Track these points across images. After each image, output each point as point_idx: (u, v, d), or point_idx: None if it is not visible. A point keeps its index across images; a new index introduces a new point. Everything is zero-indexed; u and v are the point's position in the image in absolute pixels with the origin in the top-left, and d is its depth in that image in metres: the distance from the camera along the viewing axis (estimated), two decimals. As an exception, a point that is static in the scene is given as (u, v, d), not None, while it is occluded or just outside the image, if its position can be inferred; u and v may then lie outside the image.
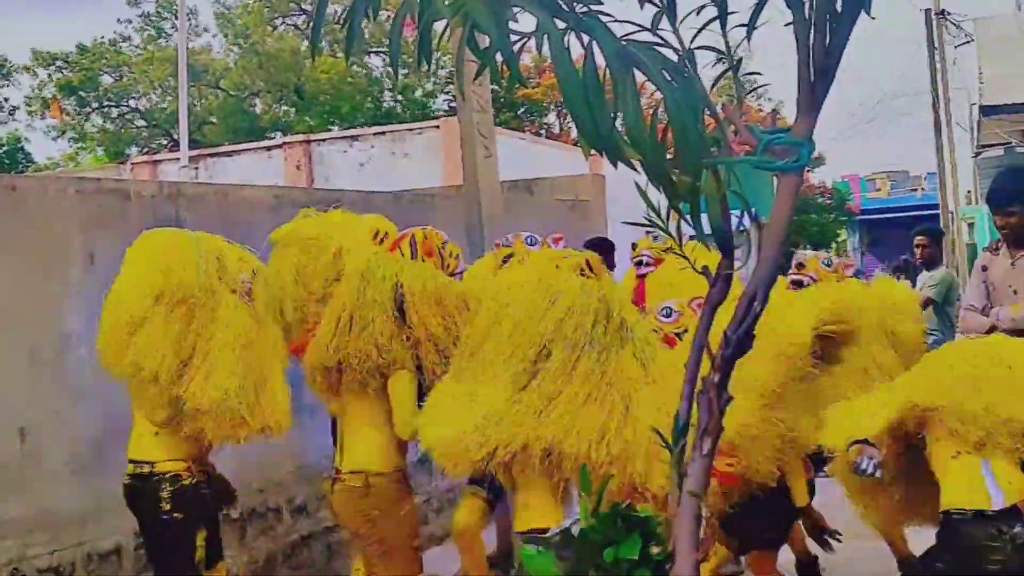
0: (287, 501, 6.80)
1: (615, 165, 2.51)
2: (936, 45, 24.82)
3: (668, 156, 2.52)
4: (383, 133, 17.83)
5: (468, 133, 7.12)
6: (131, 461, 4.64)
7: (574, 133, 24.21)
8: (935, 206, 27.21)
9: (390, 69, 27.98)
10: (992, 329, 5.55)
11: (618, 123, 2.47)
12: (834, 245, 41.86)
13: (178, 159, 16.64)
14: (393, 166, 16.65)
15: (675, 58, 2.51)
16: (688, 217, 2.56)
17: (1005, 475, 3.99)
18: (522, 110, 28.36)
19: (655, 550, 2.30)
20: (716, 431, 2.45)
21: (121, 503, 4.78)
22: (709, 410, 2.46)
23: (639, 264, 6.09)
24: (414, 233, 4.84)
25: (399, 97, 27.78)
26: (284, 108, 28.69)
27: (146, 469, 4.58)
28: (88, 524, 5.54)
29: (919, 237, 9.38)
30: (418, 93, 28.19)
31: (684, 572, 2.34)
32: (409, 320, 4.57)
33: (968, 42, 23.12)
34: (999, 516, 3.94)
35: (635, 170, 2.49)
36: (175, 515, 4.54)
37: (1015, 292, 5.66)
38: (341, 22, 2.61)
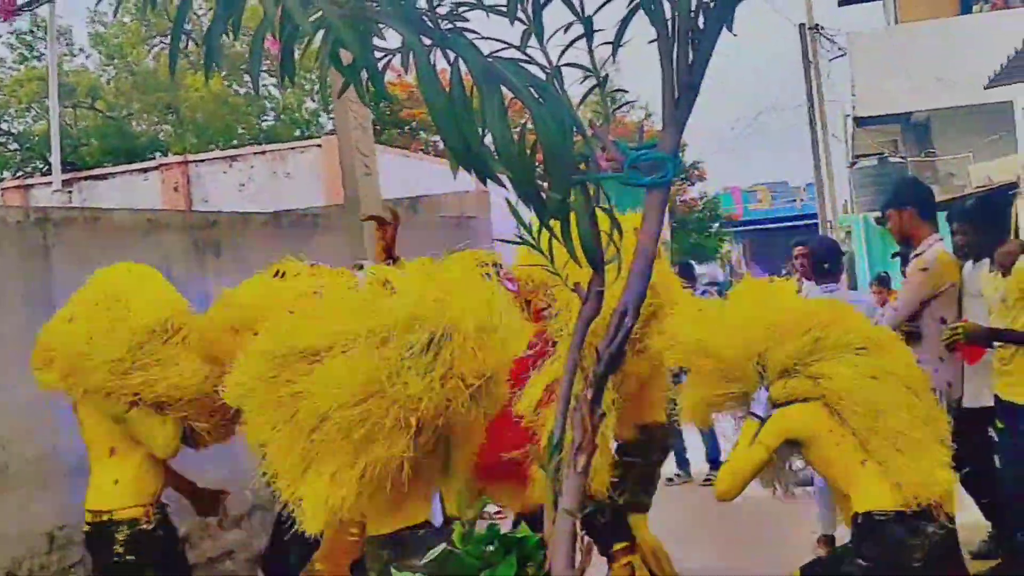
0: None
1: (484, 182, 2.50)
2: (811, 59, 25.42)
3: (537, 173, 2.51)
4: (263, 153, 17.59)
5: (347, 151, 7.05)
6: (89, 511, 4.64)
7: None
8: (814, 215, 27.86)
9: (271, 88, 27.70)
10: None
11: (488, 140, 2.46)
12: (718, 257, 42.60)
13: (51, 183, 16.20)
14: (274, 186, 16.44)
15: (543, 75, 2.50)
16: (559, 233, 2.55)
17: (909, 479, 4.23)
18: (408, 128, 28.28)
19: (531, 571, 2.27)
20: (590, 448, 2.43)
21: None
22: (583, 427, 2.45)
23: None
24: None
25: (281, 116, 27.45)
26: (163, 128, 28.16)
27: (105, 517, 4.59)
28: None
29: (799, 248, 9.56)
30: (303, 110, 27.93)
31: (562, 592, 2.32)
32: None
33: (842, 55, 23.75)
34: (916, 515, 4.20)
35: (504, 187, 2.47)
36: (127, 557, 4.55)
37: None
38: (200, 41, 2.55)
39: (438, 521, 3.63)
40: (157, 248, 6.92)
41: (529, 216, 2.67)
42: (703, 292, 9.94)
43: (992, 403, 5.73)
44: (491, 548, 2.23)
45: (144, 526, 4.59)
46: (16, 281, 5.87)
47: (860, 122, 20.65)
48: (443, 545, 2.34)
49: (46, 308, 4.91)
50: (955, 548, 4.32)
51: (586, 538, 2.39)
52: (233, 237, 7.54)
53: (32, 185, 18.71)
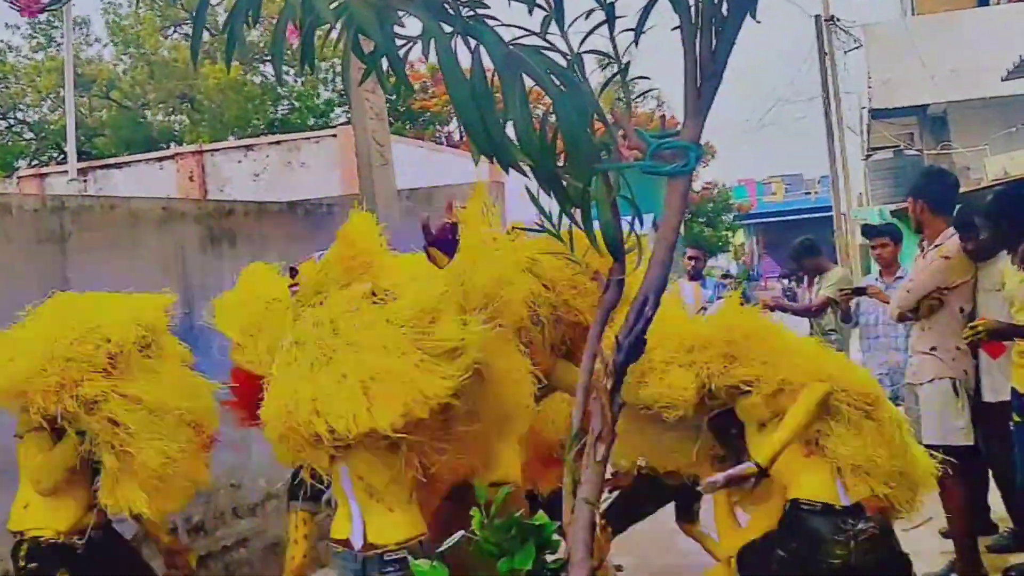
0: (183, 520, 6.64)
1: (506, 170, 2.49)
2: (826, 51, 25.34)
3: (559, 161, 2.50)
4: (278, 143, 17.58)
5: (362, 141, 7.04)
6: (11, 532, 4.59)
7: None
8: (828, 208, 27.78)
9: (286, 77, 27.68)
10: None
11: (509, 128, 2.45)
12: (731, 248, 42.51)
13: (66, 172, 16.22)
14: (289, 176, 16.43)
15: (564, 63, 2.49)
16: (579, 222, 2.54)
17: (850, 480, 4.16)
18: (422, 119, 28.26)
19: (550, 559, 2.26)
20: (609, 437, 2.43)
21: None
22: (602, 416, 2.44)
23: None
24: None
25: (295, 104, 27.44)
26: (178, 118, 28.19)
27: (17, 538, 4.53)
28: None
29: (798, 261, 9.65)
30: (318, 101, 27.93)
31: (580, 581, 2.32)
32: None
33: (857, 47, 23.66)
34: (845, 511, 4.11)
35: (525, 175, 2.46)
36: (30, 566, 4.46)
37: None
38: (222, 29, 2.54)
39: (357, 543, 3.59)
40: (172, 237, 6.93)
41: (549, 204, 2.66)
42: (721, 285, 9.93)
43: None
44: (510, 536, 2.23)
45: (44, 539, 4.45)
46: (33, 268, 5.88)
47: (876, 114, 20.57)
48: (461, 532, 2.34)
49: (63, 295, 4.89)
50: (887, 548, 4.17)
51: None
52: (248, 226, 7.54)
53: (48, 174, 18.75)
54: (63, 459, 4.40)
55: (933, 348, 5.95)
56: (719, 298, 9.43)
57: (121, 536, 4.81)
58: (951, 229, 6.00)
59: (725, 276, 21.13)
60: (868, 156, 23.75)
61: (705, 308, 9.17)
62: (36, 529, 4.48)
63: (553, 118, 2.43)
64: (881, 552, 4.12)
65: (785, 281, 29.18)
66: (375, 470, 3.45)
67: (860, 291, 8.11)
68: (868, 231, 8.67)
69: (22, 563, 4.46)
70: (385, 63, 2.48)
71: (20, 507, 4.55)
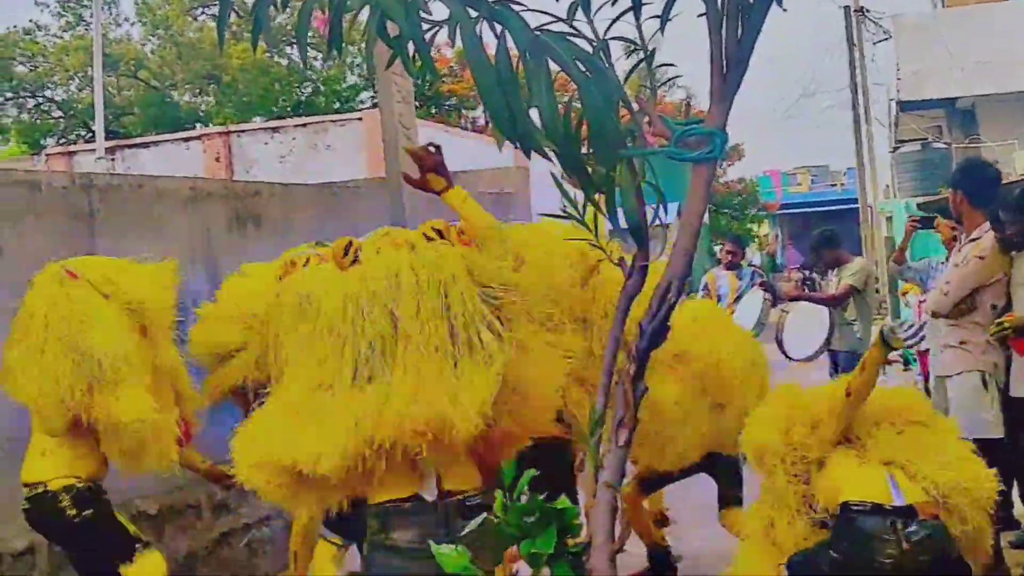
0: (207, 497, 6.69)
1: (528, 155, 2.50)
2: (855, 42, 25.19)
3: (583, 147, 2.51)
4: (305, 125, 17.64)
5: (389, 123, 7.06)
6: (25, 484, 4.63)
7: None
8: (854, 200, 27.63)
9: (311, 60, 27.73)
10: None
11: (534, 114, 2.45)
12: (755, 240, 42.35)
13: (94, 150, 16.32)
14: (315, 158, 16.49)
15: (590, 49, 2.50)
16: (604, 208, 2.55)
17: (904, 482, 4.13)
18: (447, 104, 28.26)
19: (571, 542, 2.28)
20: (632, 423, 2.44)
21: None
22: (625, 402, 2.45)
23: None
24: None
25: (321, 88, 27.49)
26: (204, 99, 28.28)
27: (39, 489, 4.58)
28: (1, 524, 5.40)
29: (816, 252, 9.61)
30: (344, 85, 27.98)
31: (600, 563, 2.33)
32: None
33: (887, 39, 23.52)
34: (896, 511, 4.02)
35: (550, 160, 2.47)
36: (85, 514, 4.56)
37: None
38: (250, 11, 2.56)
39: (431, 496, 3.51)
40: (199, 216, 6.96)
41: (575, 191, 2.67)
42: (753, 274, 9.95)
43: None
44: (531, 519, 2.25)
45: (81, 485, 4.57)
46: (61, 246, 5.90)
47: (904, 106, 20.44)
48: (484, 515, 2.36)
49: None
50: (941, 552, 4.03)
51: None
52: (275, 208, 7.58)
53: (76, 152, 18.87)
54: None
55: (963, 342, 5.92)
56: (752, 287, 9.45)
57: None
58: (986, 223, 5.97)
59: (749, 266, 21.07)
60: (895, 148, 23.59)
61: (739, 298, 9.20)
62: (61, 478, 4.54)
63: (578, 104, 2.43)
64: (936, 555, 4.00)
65: (806, 272, 29.04)
66: None
67: (927, 222, 7.98)
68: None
69: (72, 512, 4.51)
70: (411, 47, 2.49)
71: (37, 455, 4.60)
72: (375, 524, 3.56)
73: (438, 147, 3.71)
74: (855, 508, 4.05)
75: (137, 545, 4.68)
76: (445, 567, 2.33)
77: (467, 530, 2.47)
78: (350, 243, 3.56)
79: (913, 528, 3.98)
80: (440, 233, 3.54)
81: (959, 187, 6.13)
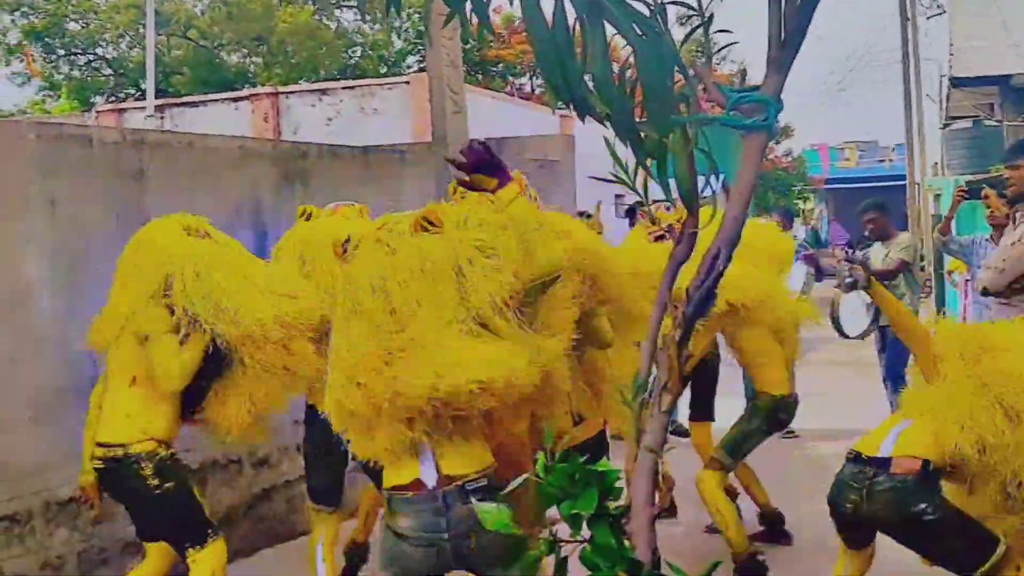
0: (248, 453, 6.78)
1: (583, 118, 2.49)
2: (908, 15, 24.84)
3: (637, 112, 2.50)
4: (352, 88, 17.68)
5: (437, 87, 7.07)
6: (101, 444, 4.61)
7: (546, 94, 24.09)
8: (903, 177, 27.34)
9: (360, 23, 27.73)
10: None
11: (588, 79, 2.45)
12: (801, 214, 42.02)
13: (144, 108, 16.45)
14: (362, 121, 16.53)
15: (647, 12, 2.48)
16: (654, 174, 2.55)
17: (916, 436, 4.19)
18: (493, 71, 28.19)
19: (612, 505, 2.30)
20: (675, 388, 2.45)
21: (81, 452, 4.76)
22: (669, 367, 2.46)
23: (660, 238, 6.07)
24: None
25: (369, 52, 27.50)
26: (253, 60, 28.37)
27: (119, 452, 4.56)
28: (47, 473, 5.51)
29: (867, 213, 9.49)
30: (392, 49, 27.96)
31: (640, 527, 2.35)
32: None
33: (940, 13, 23.18)
34: (871, 461, 4.20)
35: (603, 124, 2.47)
36: (167, 486, 4.56)
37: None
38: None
39: (431, 481, 3.54)
40: (247, 176, 7.02)
41: (625, 156, 2.66)
42: (800, 247, 9.84)
43: None
44: (573, 480, 2.26)
45: (163, 453, 4.59)
46: (111, 201, 6.00)
47: (956, 82, 20.15)
48: (525, 475, 2.37)
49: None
50: (907, 509, 4.12)
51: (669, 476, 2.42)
52: (322, 169, 7.62)
53: (126, 110, 19.02)
54: (195, 360, 4.55)
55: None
56: (797, 260, 9.41)
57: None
58: None
59: (802, 243, 20.90)
60: (946, 125, 23.30)
61: None
62: (143, 441, 4.55)
63: (632, 70, 2.43)
64: (900, 511, 4.12)
65: (848, 250, 28.76)
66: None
67: (975, 194, 7.89)
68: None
69: (154, 481, 4.51)
70: (468, 6, 2.49)
71: (121, 416, 4.59)
72: (387, 508, 3.63)
73: (485, 145, 3.72)
74: (848, 455, 4.33)
75: (209, 531, 4.65)
76: (485, 524, 2.35)
77: (508, 488, 2.49)
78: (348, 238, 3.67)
79: (880, 478, 4.13)
80: (432, 223, 3.58)
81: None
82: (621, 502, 2.37)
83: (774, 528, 6.64)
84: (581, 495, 2.30)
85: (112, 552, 5.86)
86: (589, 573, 2.29)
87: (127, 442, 4.55)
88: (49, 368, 5.52)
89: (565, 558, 2.29)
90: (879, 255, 9.18)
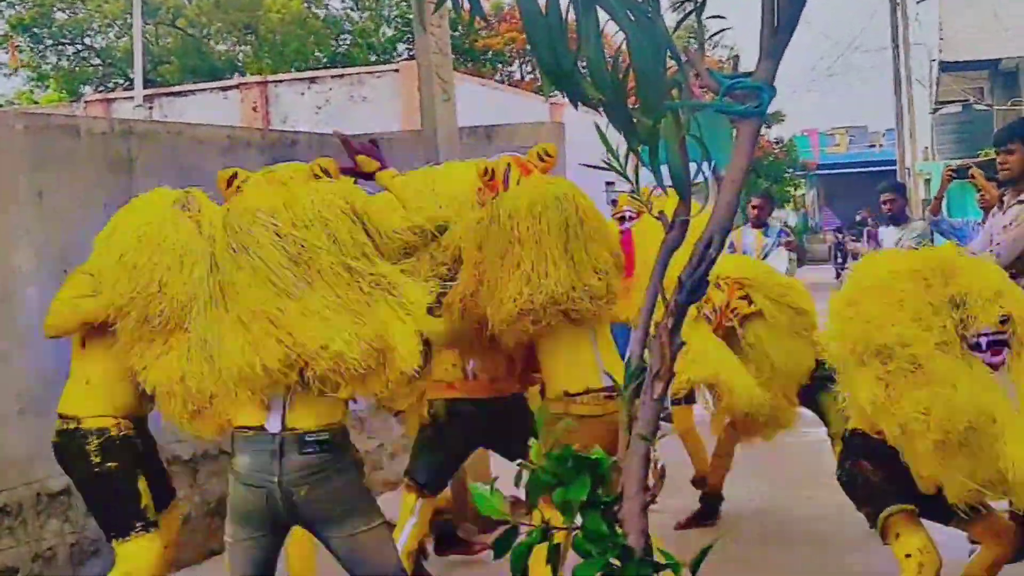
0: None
1: (575, 104, 2.49)
2: (898, 1, 24.85)
3: (629, 98, 2.49)
4: (341, 76, 17.65)
5: (426, 74, 7.02)
6: (60, 415, 4.56)
7: (537, 81, 24.09)
8: (892, 162, 27.40)
9: (348, 12, 27.67)
10: None
11: (581, 65, 2.44)
12: (791, 200, 42.07)
13: (132, 98, 16.40)
14: (351, 109, 16.51)
15: (638, -1, 2.47)
16: (646, 160, 2.54)
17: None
18: (483, 58, 28.15)
19: (603, 492, 2.29)
20: (667, 376, 2.44)
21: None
22: (661, 355, 2.45)
23: (622, 219, 6.08)
24: None
25: (358, 40, 27.44)
26: (242, 49, 28.30)
27: (72, 424, 4.50)
28: (37, 464, 5.48)
29: (886, 193, 9.47)
30: (380, 35, 27.90)
31: (632, 514, 2.35)
32: None
33: (930, -2, 23.20)
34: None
35: (595, 109, 2.46)
36: (108, 465, 4.45)
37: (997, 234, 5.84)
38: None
39: (275, 428, 3.68)
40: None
41: (616, 143, 2.65)
42: (780, 232, 9.84)
43: None
44: (566, 467, 2.26)
45: (113, 433, 4.48)
46: (99, 191, 5.96)
47: (946, 67, 20.21)
48: (519, 460, 2.37)
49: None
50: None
51: (660, 464, 2.42)
52: (311, 157, 7.53)
53: (114, 99, 18.95)
54: (88, 311, 4.48)
55: None
56: (778, 246, 9.40)
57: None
58: None
59: (785, 226, 20.94)
60: (935, 110, 23.37)
61: (765, 256, 9.14)
62: (95, 417, 4.45)
63: (625, 56, 2.42)
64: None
65: (839, 235, 28.81)
66: None
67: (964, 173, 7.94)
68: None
69: (96, 459, 4.41)
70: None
71: (80, 383, 4.53)
72: (231, 448, 3.79)
73: (374, 141, 4.31)
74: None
75: (138, 524, 4.45)
76: (479, 508, 2.35)
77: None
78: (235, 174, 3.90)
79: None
80: (327, 172, 3.87)
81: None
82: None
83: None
84: (573, 482, 2.29)
85: (104, 544, 5.82)
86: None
87: (82, 415, 4.48)
88: (38, 360, 5.48)
89: (558, 545, 2.29)
90: (892, 238, 9.17)
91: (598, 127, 2.56)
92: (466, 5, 2.40)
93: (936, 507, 4.13)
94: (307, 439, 3.65)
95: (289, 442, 3.64)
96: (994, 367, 3.99)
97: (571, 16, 2.36)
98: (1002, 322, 3.95)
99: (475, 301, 4.45)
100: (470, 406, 5.05)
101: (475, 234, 4.51)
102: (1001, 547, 4.27)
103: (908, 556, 4.12)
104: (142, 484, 4.53)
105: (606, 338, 4.67)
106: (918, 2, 25.10)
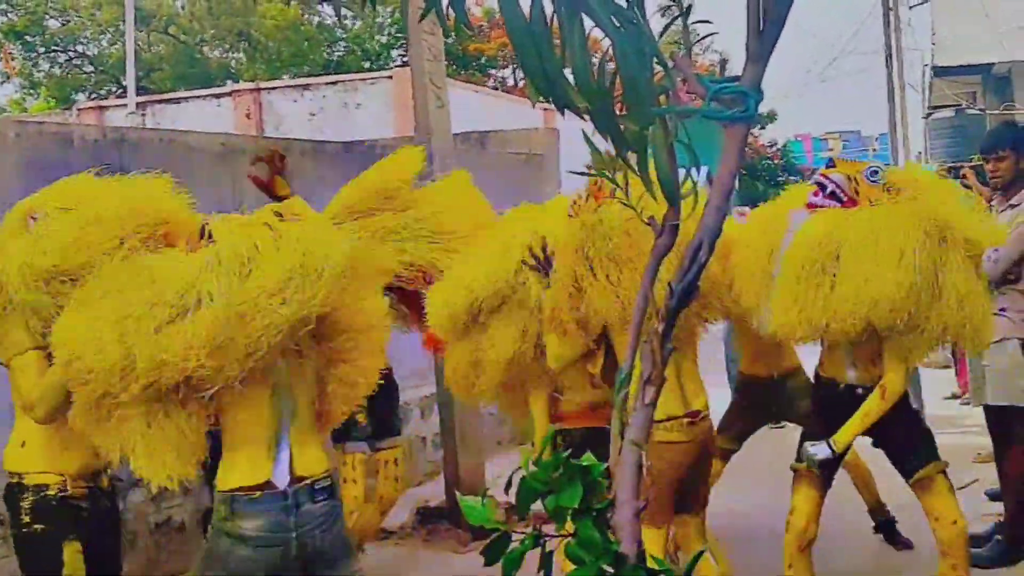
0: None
1: (562, 112, 2.48)
2: (891, 5, 24.89)
3: (616, 105, 2.49)
4: (335, 83, 17.65)
5: (420, 82, 7.03)
6: (7, 471, 4.06)
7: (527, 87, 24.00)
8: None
9: (342, 19, 27.65)
10: None
11: (568, 72, 2.44)
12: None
13: (125, 105, 16.38)
14: (345, 116, 16.50)
15: (624, 4, 2.47)
16: (635, 167, 2.54)
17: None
18: (476, 64, 28.16)
19: (595, 499, 2.29)
20: (659, 381, 2.44)
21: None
22: (652, 360, 2.45)
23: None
24: None
25: (352, 46, 27.45)
26: (235, 55, 28.30)
27: (15, 479, 3.99)
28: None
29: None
30: (374, 42, 27.91)
31: (624, 520, 2.34)
32: None
33: (923, 2, 23.24)
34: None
35: (582, 117, 2.46)
36: (35, 527, 3.93)
37: None
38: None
39: (283, 482, 3.56)
40: (229, 172, 6.99)
41: (605, 149, 2.65)
42: None
43: None
44: (557, 474, 2.25)
45: (51, 492, 3.93)
46: (92, 199, 5.95)
47: (939, 71, 20.22)
48: (510, 471, 2.37)
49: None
50: None
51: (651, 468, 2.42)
52: (305, 165, 7.60)
53: (107, 107, 18.94)
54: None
55: (1003, 308, 5.85)
56: None
57: (116, 503, 4.36)
58: None
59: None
60: (929, 114, 23.39)
61: None
62: (38, 473, 3.95)
63: (612, 64, 2.42)
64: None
65: None
66: (307, 395, 3.68)
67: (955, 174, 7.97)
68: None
69: (25, 518, 3.94)
70: (445, 1, 2.48)
71: (16, 445, 4.01)
72: (223, 510, 3.55)
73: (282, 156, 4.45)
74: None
75: None
76: (469, 519, 2.34)
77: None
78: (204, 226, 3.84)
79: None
80: (280, 215, 3.90)
81: (1019, 149, 5.97)
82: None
83: None
84: (565, 489, 2.29)
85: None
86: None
87: (23, 471, 3.98)
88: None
89: (550, 553, 2.29)
90: None
91: (585, 133, 2.56)
92: (451, 13, 2.40)
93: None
94: (316, 487, 3.61)
95: (302, 493, 3.57)
96: None
97: (556, 23, 2.36)
98: None
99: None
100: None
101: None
102: None
103: None
104: (70, 554, 3.95)
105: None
106: (911, 7, 25.05)
